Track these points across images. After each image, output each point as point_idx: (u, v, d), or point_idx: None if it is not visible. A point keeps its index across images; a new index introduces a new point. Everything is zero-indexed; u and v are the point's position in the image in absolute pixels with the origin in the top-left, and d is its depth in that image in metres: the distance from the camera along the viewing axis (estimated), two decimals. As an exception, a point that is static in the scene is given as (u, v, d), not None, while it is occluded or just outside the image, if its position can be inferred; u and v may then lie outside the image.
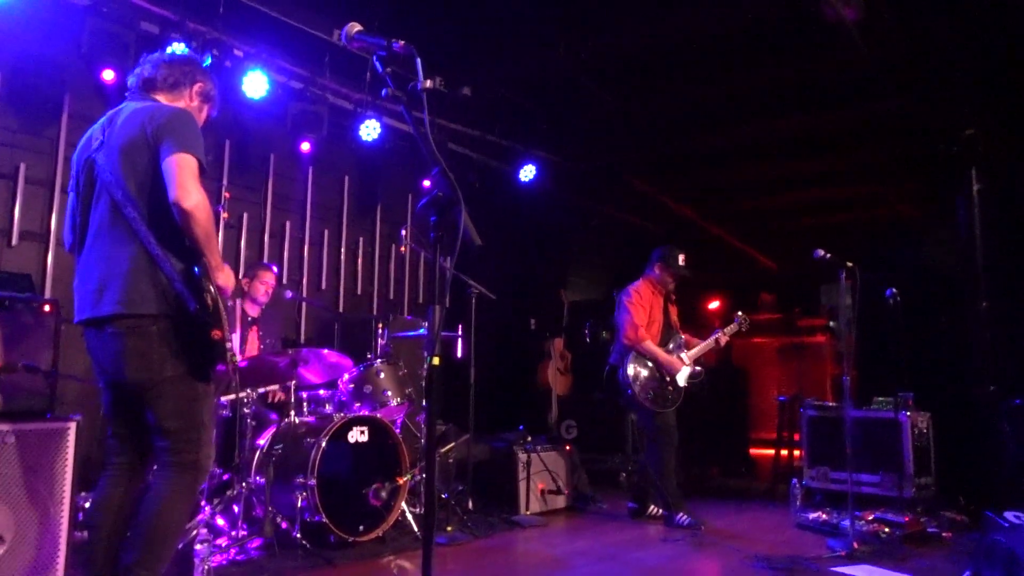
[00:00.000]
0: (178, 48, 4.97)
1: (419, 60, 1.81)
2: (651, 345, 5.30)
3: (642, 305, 5.37)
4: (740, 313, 5.79)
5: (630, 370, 5.25)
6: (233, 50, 5.39)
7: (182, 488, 2.61)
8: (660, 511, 5.42)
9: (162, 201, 2.51)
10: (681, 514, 5.14)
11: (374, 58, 1.93)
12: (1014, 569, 3.20)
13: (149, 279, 2.54)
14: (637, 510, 5.51)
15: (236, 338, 4.87)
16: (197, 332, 2.54)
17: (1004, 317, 5.90)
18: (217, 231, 2.62)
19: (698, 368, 5.46)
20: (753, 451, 9.21)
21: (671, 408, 5.29)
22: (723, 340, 5.57)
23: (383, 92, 1.86)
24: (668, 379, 5.32)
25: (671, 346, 5.45)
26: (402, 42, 1.88)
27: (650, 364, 5.31)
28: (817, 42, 5.87)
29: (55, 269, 4.99)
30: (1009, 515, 3.36)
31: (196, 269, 2.55)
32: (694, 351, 5.48)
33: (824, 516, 5.16)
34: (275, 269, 5.27)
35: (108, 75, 4.91)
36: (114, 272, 2.55)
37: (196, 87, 2.88)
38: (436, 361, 1.75)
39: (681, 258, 5.49)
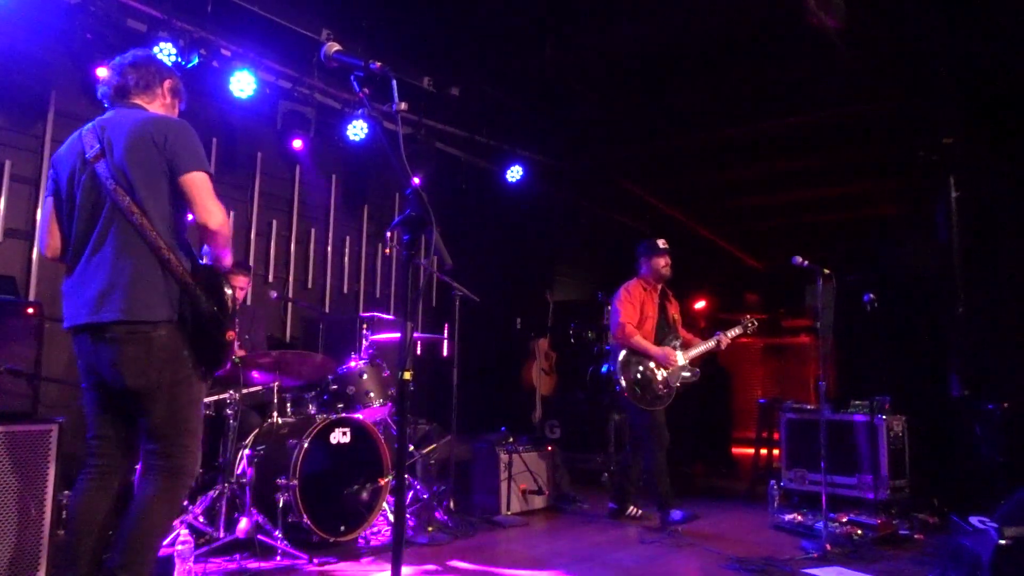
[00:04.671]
0: (166, 47, 5.00)
1: (395, 82, 1.86)
2: (641, 340, 5.26)
3: (632, 303, 5.35)
4: (748, 316, 5.76)
5: (620, 368, 5.22)
6: (221, 49, 5.42)
7: (169, 492, 2.63)
8: (640, 512, 5.51)
9: (172, 207, 2.59)
10: (675, 510, 5.13)
11: (352, 77, 1.98)
12: (977, 573, 3.28)
13: (156, 285, 2.56)
14: (617, 511, 5.56)
15: None
16: (209, 333, 2.58)
17: (979, 322, 6.01)
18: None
19: (696, 370, 5.42)
20: (736, 450, 9.33)
21: (660, 407, 5.25)
22: (724, 343, 5.49)
23: (359, 111, 1.91)
24: (660, 378, 5.27)
25: (668, 345, 5.40)
26: (379, 63, 1.93)
27: (641, 362, 5.26)
28: (800, 46, 5.93)
29: (40, 267, 5.01)
30: (974, 519, 3.44)
31: (214, 271, 2.64)
32: (693, 351, 5.44)
33: (799, 518, 5.25)
34: (249, 268, 5.20)
35: (103, 72, 4.87)
36: (118, 279, 2.54)
37: (166, 84, 2.90)
38: (408, 376, 1.80)
39: (660, 242, 5.51)
